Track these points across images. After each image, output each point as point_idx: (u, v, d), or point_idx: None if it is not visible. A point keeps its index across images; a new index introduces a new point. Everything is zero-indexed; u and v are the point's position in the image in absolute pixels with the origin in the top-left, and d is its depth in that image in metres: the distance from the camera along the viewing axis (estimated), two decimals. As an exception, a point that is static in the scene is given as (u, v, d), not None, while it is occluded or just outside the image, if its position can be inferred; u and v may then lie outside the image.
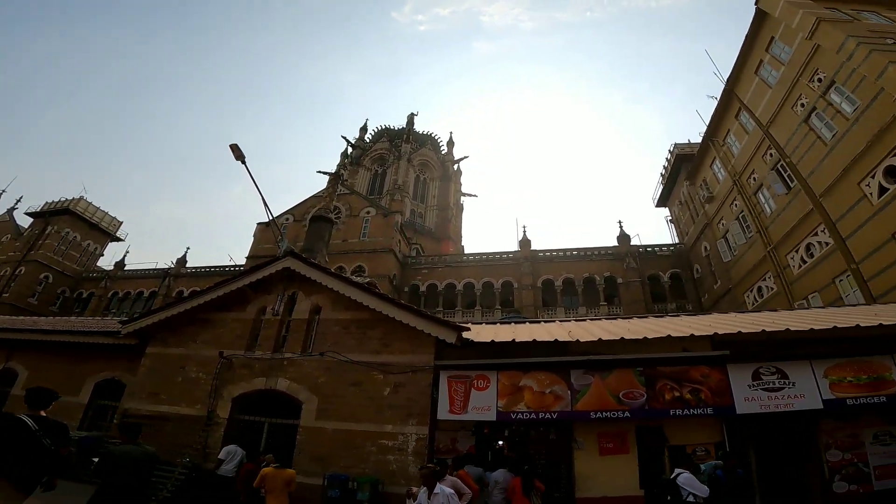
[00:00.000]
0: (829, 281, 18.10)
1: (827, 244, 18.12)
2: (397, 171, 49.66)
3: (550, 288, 32.49)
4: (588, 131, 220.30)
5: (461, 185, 58.47)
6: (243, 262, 35.70)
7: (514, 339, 8.79)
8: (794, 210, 19.74)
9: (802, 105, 18.58)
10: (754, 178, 23.05)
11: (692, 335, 8.51)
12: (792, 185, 19.88)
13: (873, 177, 15.22)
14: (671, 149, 33.99)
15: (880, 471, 7.87)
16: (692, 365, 8.14)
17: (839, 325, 8.55)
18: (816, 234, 18.76)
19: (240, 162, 10.69)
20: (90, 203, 42.94)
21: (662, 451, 8.12)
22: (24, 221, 42.56)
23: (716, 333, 8.59)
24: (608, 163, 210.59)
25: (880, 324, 8.43)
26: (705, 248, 29.48)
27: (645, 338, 8.41)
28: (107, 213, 44.38)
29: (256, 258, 34.70)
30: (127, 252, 42.64)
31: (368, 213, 36.00)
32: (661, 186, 35.99)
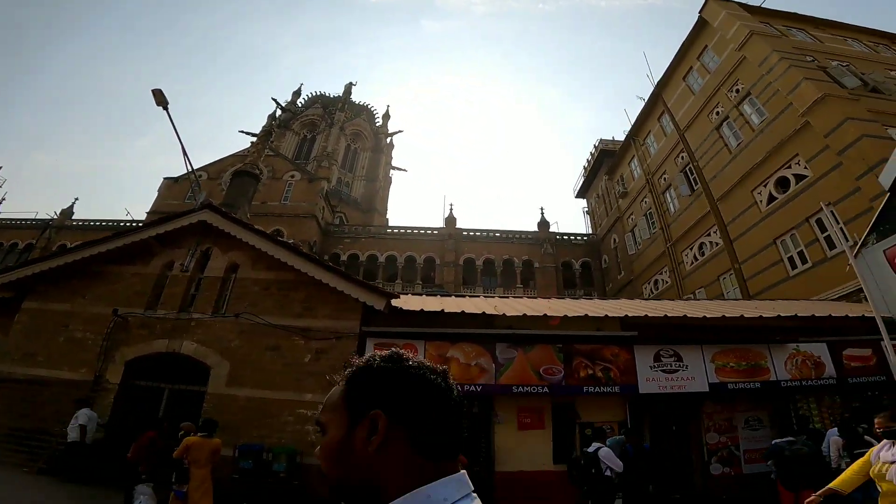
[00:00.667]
0: (714, 278, 20.27)
1: (717, 244, 20.22)
2: (328, 138, 47.89)
3: (471, 267, 33.16)
4: (522, 120, 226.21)
5: (392, 158, 57.60)
6: (143, 217, 32.29)
7: (442, 310, 8.79)
8: (694, 211, 21.72)
9: (717, 113, 20.23)
10: (665, 178, 24.93)
11: (606, 315, 9.11)
12: (696, 188, 21.82)
13: (765, 186, 17.11)
14: (596, 144, 35.79)
15: (749, 455, 8.93)
16: (605, 344, 8.72)
17: (727, 315, 9.62)
18: (710, 234, 20.85)
19: (161, 108, 9.48)
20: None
21: (573, 427, 8.64)
22: None
23: (626, 315, 9.26)
24: (537, 152, 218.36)
25: (760, 315, 9.62)
26: (614, 240, 31.66)
27: (566, 315, 8.84)
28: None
29: (159, 213, 31.46)
30: (3, 199, 36.66)
31: (293, 176, 34.17)
32: (583, 178, 37.92)
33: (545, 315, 8.80)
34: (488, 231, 35.27)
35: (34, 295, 9.68)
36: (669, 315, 9.53)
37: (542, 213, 36.15)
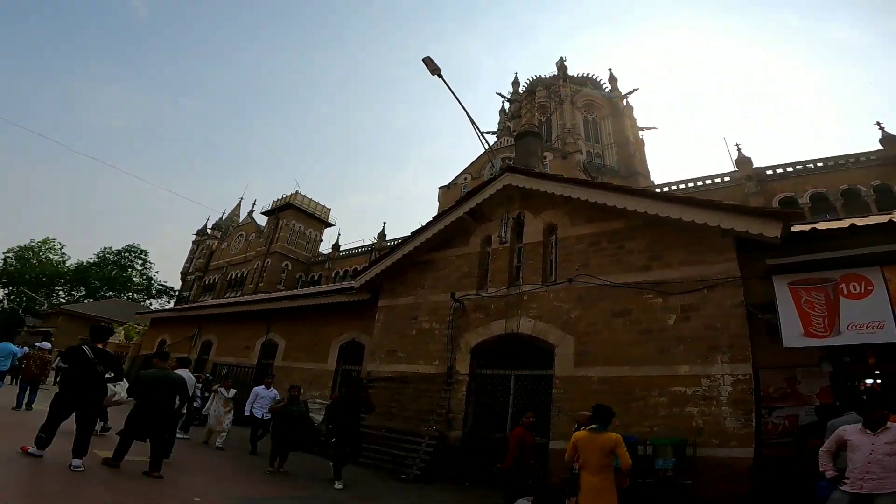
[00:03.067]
0: None
1: None
2: (562, 115, 46.58)
3: (794, 206, 25.79)
4: (775, 46, 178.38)
5: (635, 119, 52.02)
6: None
7: (890, 220, 5.55)
8: None
9: None
10: None
11: None
12: None
13: None
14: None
15: None
16: None
17: None
18: None
19: (436, 76, 9.39)
20: (304, 195, 49.69)
21: None
22: (264, 220, 51.54)
23: None
24: (808, 68, 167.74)
25: None
26: None
27: None
28: (318, 203, 50.86)
29: (443, 222, 35.61)
30: (339, 235, 48.60)
31: (545, 157, 33.82)
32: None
33: None
34: (803, 163, 27.33)
35: (384, 292, 10.73)
36: None
37: (882, 128, 26.12)
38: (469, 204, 9.55)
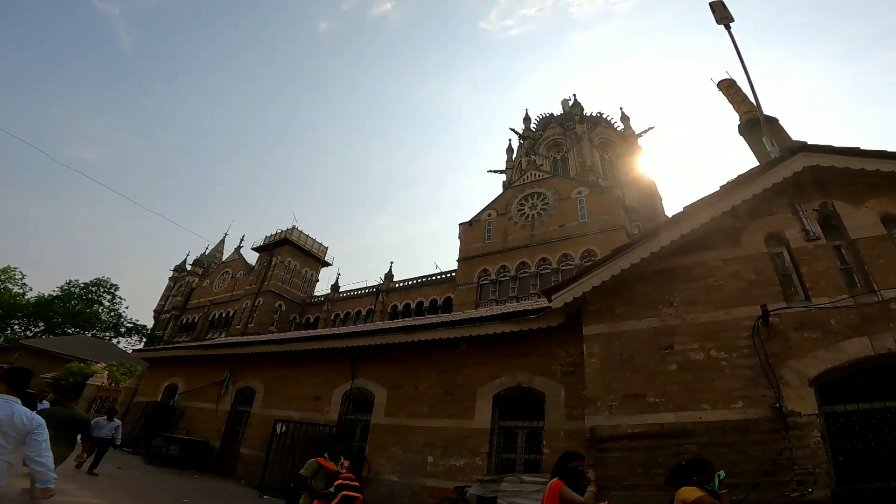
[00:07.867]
0: None
1: None
2: (581, 152, 46.21)
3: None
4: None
5: (645, 159, 52.44)
6: (454, 266, 34.21)
7: None
8: None
9: None
10: None
11: None
12: None
13: None
14: None
15: None
16: None
17: None
18: None
19: (723, 26, 7.19)
20: (301, 231, 45.54)
21: None
22: (251, 257, 47.06)
23: None
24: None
25: None
26: None
27: None
28: (315, 240, 46.71)
29: (469, 259, 32.72)
30: (338, 275, 44.29)
31: (580, 192, 32.53)
32: None
33: None
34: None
35: (592, 316, 7.68)
36: None
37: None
38: (751, 189, 6.92)
